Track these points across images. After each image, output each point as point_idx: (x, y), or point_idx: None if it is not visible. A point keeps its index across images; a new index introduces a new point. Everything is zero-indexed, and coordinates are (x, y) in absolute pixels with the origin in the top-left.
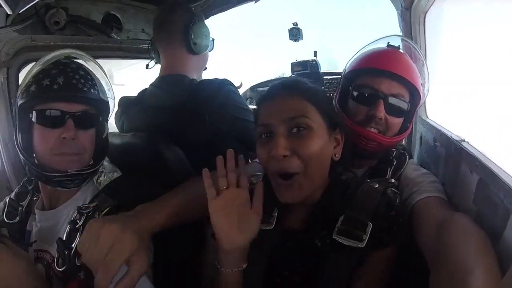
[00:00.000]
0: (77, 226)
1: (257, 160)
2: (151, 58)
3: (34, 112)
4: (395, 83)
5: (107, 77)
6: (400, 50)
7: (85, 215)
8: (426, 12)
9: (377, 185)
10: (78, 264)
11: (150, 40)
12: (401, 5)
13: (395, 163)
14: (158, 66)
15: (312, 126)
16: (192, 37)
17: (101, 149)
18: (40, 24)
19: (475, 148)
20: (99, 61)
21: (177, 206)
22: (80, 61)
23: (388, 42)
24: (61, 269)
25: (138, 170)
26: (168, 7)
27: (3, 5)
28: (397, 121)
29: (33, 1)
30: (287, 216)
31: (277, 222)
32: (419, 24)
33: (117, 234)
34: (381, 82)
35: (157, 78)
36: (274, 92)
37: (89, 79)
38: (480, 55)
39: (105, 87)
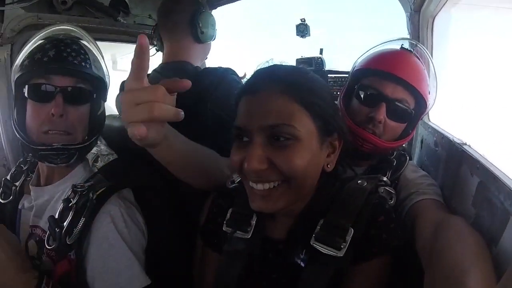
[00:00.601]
0: (70, 204)
1: None
2: (152, 45)
3: (26, 87)
4: (400, 88)
5: (102, 55)
6: (412, 54)
7: (79, 193)
8: (435, 16)
9: (365, 183)
10: (68, 243)
11: (153, 26)
12: (410, 8)
13: (395, 163)
14: (160, 54)
15: (298, 136)
16: (200, 25)
17: (95, 127)
18: (47, 3)
19: (477, 152)
20: (105, 44)
21: (184, 139)
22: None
23: (402, 45)
24: (51, 247)
25: (136, 153)
26: None
27: None
28: (397, 126)
29: None
30: (268, 225)
31: (257, 231)
32: (427, 28)
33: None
34: (386, 85)
35: (160, 65)
36: (258, 85)
37: (82, 53)
38: (487, 61)
39: (101, 64)
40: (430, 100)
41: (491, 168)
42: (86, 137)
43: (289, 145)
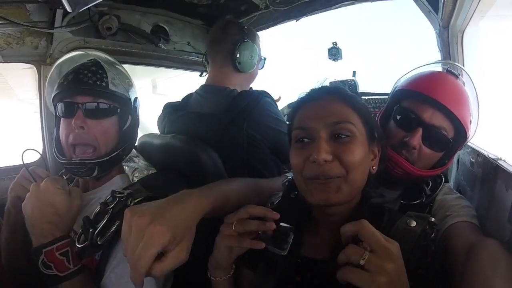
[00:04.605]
0: (107, 208)
1: (288, 174)
2: (204, 68)
3: (57, 106)
4: (439, 114)
5: (126, 76)
6: (457, 80)
7: (117, 199)
8: (464, 31)
9: (414, 224)
10: (99, 243)
11: (204, 53)
12: (439, 25)
13: (430, 185)
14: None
15: (356, 134)
16: (238, 56)
17: (121, 141)
18: (93, 29)
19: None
20: (146, 69)
21: (224, 191)
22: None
23: (448, 67)
24: (81, 246)
25: (174, 170)
26: (223, 24)
27: (64, 3)
28: (432, 154)
29: (93, 3)
30: (308, 244)
31: (293, 249)
32: (457, 43)
33: (144, 228)
34: (424, 109)
35: (200, 86)
36: (315, 95)
37: (99, 73)
38: None
39: (123, 82)
40: (471, 130)
41: None
42: (109, 151)
43: (348, 141)
